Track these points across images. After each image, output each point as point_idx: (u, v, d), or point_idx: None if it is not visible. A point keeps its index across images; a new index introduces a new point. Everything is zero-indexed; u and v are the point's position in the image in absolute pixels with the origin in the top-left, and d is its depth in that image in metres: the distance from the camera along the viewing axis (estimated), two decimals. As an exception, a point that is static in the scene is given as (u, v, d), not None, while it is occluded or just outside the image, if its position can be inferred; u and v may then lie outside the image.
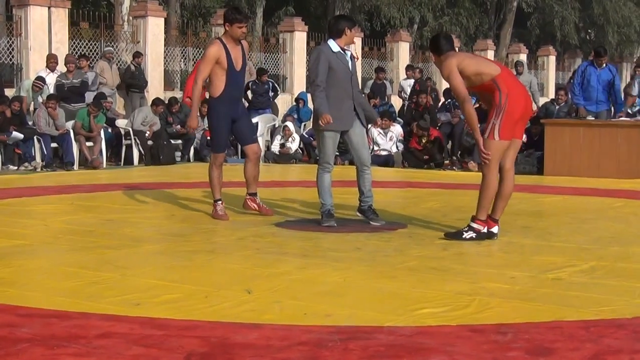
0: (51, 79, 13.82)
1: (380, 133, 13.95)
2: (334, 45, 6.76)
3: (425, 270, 5.09)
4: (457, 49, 6.55)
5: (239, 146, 14.77)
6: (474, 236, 5.99)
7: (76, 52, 15.52)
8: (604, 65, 12.33)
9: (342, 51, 6.78)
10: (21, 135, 12.35)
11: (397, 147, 13.97)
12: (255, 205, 7.40)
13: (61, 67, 14.14)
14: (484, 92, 6.22)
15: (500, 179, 6.12)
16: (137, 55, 15.71)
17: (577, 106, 12.35)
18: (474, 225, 6.03)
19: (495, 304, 4.15)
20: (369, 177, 6.91)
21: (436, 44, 6.23)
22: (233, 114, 7.20)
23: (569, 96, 13.71)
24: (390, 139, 13.98)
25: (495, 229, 6.14)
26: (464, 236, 6.01)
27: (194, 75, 7.41)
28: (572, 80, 15.64)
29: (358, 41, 20.89)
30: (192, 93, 7.21)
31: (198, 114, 7.41)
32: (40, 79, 13.58)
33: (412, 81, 17.82)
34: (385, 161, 13.58)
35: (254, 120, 15.04)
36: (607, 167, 11.49)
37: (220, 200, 7.31)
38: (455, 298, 4.27)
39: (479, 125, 6.07)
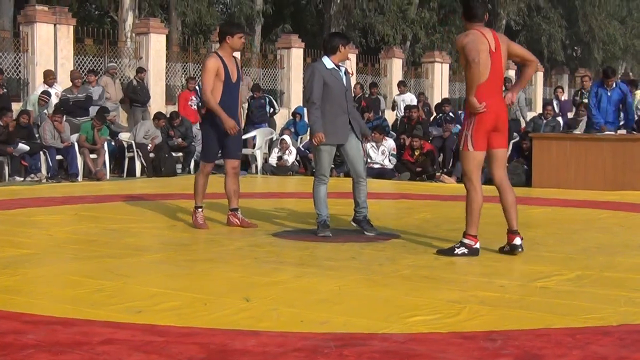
0: (53, 93, 13.93)
1: (372, 147, 14.06)
2: (328, 62, 6.88)
3: (417, 278, 5.17)
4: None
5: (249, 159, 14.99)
6: (466, 252, 5.91)
7: (81, 68, 15.65)
8: (614, 85, 12.39)
9: (336, 67, 6.89)
10: (27, 147, 12.46)
11: (389, 160, 14.08)
12: (237, 221, 7.43)
13: (67, 82, 14.28)
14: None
15: (499, 193, 6.08)
16: (140, 70, 15.85)
17: (598, 125, 12.35)
18: (465, 240, 5.96)
19: (485, 312, 4.22)
20: (364, 188, 7.01)
21: (467, 5, 6.07)
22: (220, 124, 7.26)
23: (573, 111, 13.90)
24: (383, 153, 14.09)
25: (517, 241, 5.98)
26: (455, 252, 5.93)
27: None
28: (576, 98, 15.85)
29: (353, 57, 21.06)
30: (209, 105, 7.16)
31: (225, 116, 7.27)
32: (46, 93, 13.72)
33: (405, 96, 18.08)
34: (380, 173, 13.71)
35: (252, 133, 15.21)
36: (594, 180, 11.62)
37: (201, 207, 7.42)
38: (447, 306, 4.34)
39: (474, 89, 5.83)
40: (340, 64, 6.97)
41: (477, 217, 5.98)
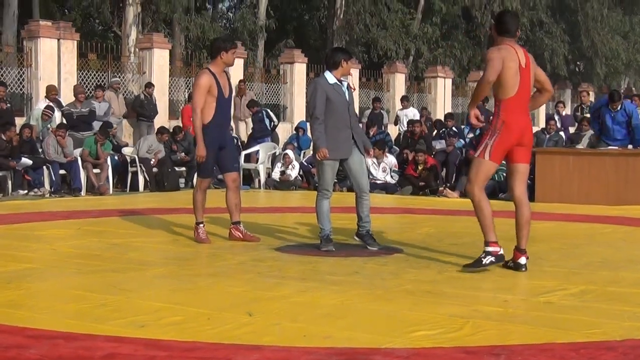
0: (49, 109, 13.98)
1: (373, 163, 14.07)
2: (330, 77, 6.91)
3: (420, 293, 5.17)
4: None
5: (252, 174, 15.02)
6: (493, 260, 5.82)
7: (84, 83, 15.74)
8: (619, 107, 12.41)
9: (338, 82, 6.92)
10: (30, 162, 12.50)
11: (391, 177, 14.09)
12: (240, 234, 7.44)
13: (70, 97, 14.34)
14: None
15: (515, 208, 5.99)
16: (148, 85, 15.93)
17: (604, 142, 12.41)
18: (489, 249, 5.86)
19: (488, 327, 4.22)
20: (367, 203, 7.02)
21: (498, 19, 6.06)
22: (221, 141, 7.32)
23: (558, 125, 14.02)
24: (384, 170, 14.10)
25: (522, 260, 5.93)
26: (483, 262, 5.83)
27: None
28: (577, 114, 15.90)
29: (356, 72, 21.15)
30: (194, 123, 7.27)
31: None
32: (50, 108, 13.77)
33: (408, 111, 18.13)
34: (383, 187, 13.72)
35: (255, 148, 15.25)
36: (596, 195, 11.63)
37: (202, 223, 7.44)
38: (450, 320, 4.34)
39: (476, 104, 5.93)
40: (342, 78, 6.99)
41: (491, 223, 5.88)
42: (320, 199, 7.00)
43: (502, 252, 5.88)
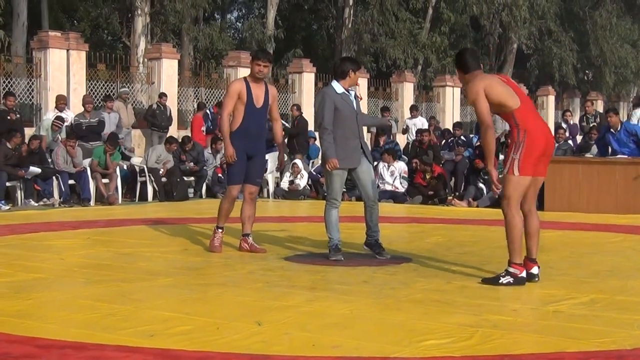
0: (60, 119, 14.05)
1: (384, 166, 14.11)
2: (338, 86, 6.92)
3: (429, 302, 5.17)
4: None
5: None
6: (512, 281, 5.69)
7: (93, 93, 15.81)
8: (619, 127, 12.41)
9: (346, 92, 6.93)
10: (38, 170, 12.53)
11: (400, 183, 14.08)
12: (247, 245, 7.43)
13: (80, 107, 14.41)
14: (505, 120, 6.00)
15: (525, 218, 5.89)
16: (161, 96, 15.98)
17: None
18: (511, 269, 5.74)
19: (498, 336, 4.21)
20: (376, 212, 7.03)
21: (462, 61, 5.94)
22: (249, 149, 7.31)
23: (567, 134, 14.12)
24: (392, 174, 14.11)
25: (535, 270, 5.90)
26: (500, 281, 5.72)
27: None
28: (583, 124, 15.93)
29: (364, 82, 21.17)
30: (221, 128, 7.37)
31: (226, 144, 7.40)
32: (60, 118, 13.83)
33: (416, 120, 18.14)
34: (392, 196, 13.72)
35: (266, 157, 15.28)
36: (606, 203, 11.62)
37: (222, 228, 7.45)
38: (459, 330, 4.34)
39: (492, 159, 5.80)
40: (350, 88, 7.00)
41: (520, 244, 5.77)
42: (329, 208, 7.00)
43: (524, 274, 5.76)
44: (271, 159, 15.33)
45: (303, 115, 16.93)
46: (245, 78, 7.35)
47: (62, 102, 14.24)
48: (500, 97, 5.73)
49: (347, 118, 6.88)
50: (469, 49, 6.28)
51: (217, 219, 7.48)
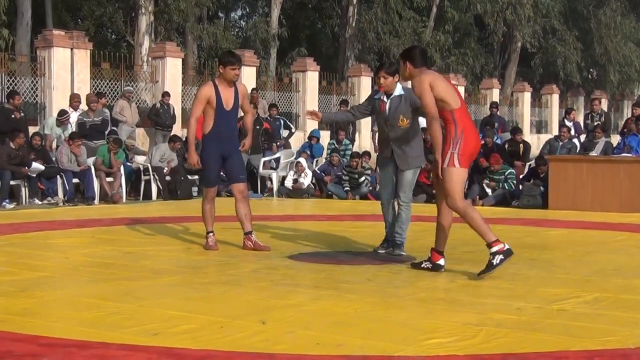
0: (73, 117, 14.11)
1: None
2: (378, 92, 7.23)
3: (434, 301, 5.17)
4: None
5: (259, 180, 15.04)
6: (503, 257, 5.86)
7: (97, 92, 15.81)
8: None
9: (381, 97, 7.18)
10: (42, 167, 12.54)
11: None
12: (250, 244, 7.43)
13: (83, 106, 14.43)
14: (441, 118, 6.17)
15: (440, 213, 6.17)
16: (164, 95, 15.99)
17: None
18: (494, 249, 5.89)
19: (502, 335, 4.22)
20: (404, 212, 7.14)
21: (412, 54, 6.17)
22: (222, 151, 7.37)
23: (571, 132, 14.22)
24: None
25: (442, 262, 6.19)
26: (494, 264, 5.85)
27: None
28: (587, 122, 15.96)
29: (368, 80, 21.16)
30: (188, 132, 7.45)
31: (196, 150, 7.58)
32: (64, 112, 13.87)
33: (421, 119, 18.09)
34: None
35: (278, 154, 15.31)
36: (610, 202, 11.60)
37: (211, 232, 7.53)
38: (463, 328, 4.34)
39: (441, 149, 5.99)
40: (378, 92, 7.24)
41: (486, 224, 5.95)
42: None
43: (507, 246, 5.91)
44: (283, 156, 15.37)
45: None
46: (214, 81, 7.32)
47: (76, 101, 14.31)
48: (443, 93, 5.96)
49: (380, 122, 7.19)
50: (419, 47, 6.53)
51: (205, 224, 7.55)
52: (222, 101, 7.24)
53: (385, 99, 7.09)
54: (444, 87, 6.00)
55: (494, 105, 19.20)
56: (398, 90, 7.06)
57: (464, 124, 6.00)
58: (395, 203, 7.17)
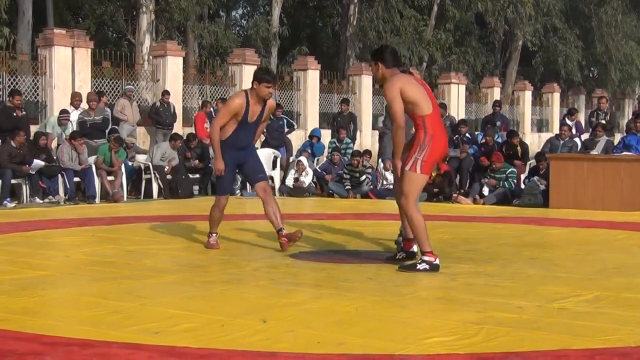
0: (74, 116, 14.13)
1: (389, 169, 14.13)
2: None
3: (434, 300, 5.18)
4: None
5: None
6: (428, 267, 6.05)
7: (98, 90, 15.81)
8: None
9: None
10: (42, 163, 12.54)
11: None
12: (285, 239, 7.26)
13: (84, 104, 14.44)
14: (412, 121, 6.26)
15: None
16: (164, 93, 15.99)
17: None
18: (425, 258, 6.09)
19: (503, 333, 4.21)
20: None
21: (383, 55, 6.23)
22: (237, 159, 7.31)
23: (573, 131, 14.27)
24: None
25: (415, 248, 6.44)
26: (417, 267, 6.08)
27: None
28: (592, 119, 15.98)
29: (369, 79, 21.18)
30: (211, 138, 7.30)
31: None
32: (65, 112, 13.88)
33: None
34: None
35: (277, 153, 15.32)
36: (611, 200, 11.59)
37: (215, 233, 7.49)
38: (464, 327, 4.34)
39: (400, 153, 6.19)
40: None
41: (426, 234, 6.15)
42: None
43: (437, 262, 6.11)
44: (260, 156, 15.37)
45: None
46: (246, 94, 7.19)
47: (77, 99, 14.32)
48: (415, 97, 6.05)
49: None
50: (390, 47, 6.59)
51: (210, 226, 7.52)
52: (249, 115, 7.14)
53: None
54: (415, 91, 6.10)
55: (497, 103, 19.19)
56: None
57: (434, 130, 6.10)
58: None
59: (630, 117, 15.55)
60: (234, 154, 7.27)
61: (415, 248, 6.46)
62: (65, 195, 12.70)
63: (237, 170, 7.66)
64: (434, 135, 6.09)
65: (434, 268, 6.06)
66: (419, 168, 6.08)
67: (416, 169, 6.08)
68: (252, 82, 7.18)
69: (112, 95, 16.34)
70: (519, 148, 14.59)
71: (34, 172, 12.45)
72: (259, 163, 7.64)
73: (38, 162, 12.45)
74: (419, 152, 6.08)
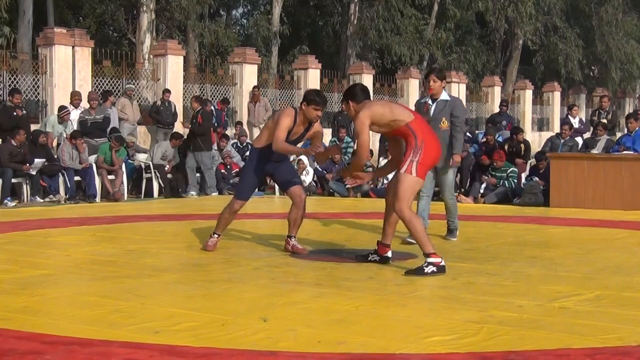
0: (74, 115, 14.13)
1: None
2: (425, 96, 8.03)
3: (435, 299, 5.19)
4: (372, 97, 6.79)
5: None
6: (435, 270, 5.95)
7: (99, 90, 15.81)
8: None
9: (426, 100, 7.92)
10: (42, 160, 12.54)
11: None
12: (289, 247, 7.19)
13: (84, 104, 14.44)
14: (397, 136, 6.28)
15: (389, 208, 6.32)
16: (165, 91, 15.97)
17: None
18: (431, 260, 5.99)
19: (503, 332, 4.21)
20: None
21: (353, 93, 6.31)
22: (268, 170, 7.21)
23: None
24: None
25: (389, 254, 6.46)
26: (425, 271, 5.96)
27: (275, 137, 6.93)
28: (593, 118, 15.97)
29: (369, 78, 21.17)
30: (282, 149, 6.88)
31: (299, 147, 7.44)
32: (64, 107, 13.88)
33: None
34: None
35: None
36: (612, 199, 11.60)
37: (218, 235, 7.29)
38: (465, 326, 4.34)
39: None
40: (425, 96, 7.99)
41: (426, 235, 6.13)
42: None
43: (443, 263, 6.03)
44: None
45: (208, 108, 15.06)
46: (296, 112, 7.00)
47: (76, 98, 14.32)
48: (390, 114, 6.10)
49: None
50: (359, 84, 6.66)
51: (216, 226, 7.34)
52: (291, 134, 6.96)
53: (430, 102, 7.83)
54: (388, 110, 6.16)
55: (503, 103, 19.20)
56: (444, 95, 7.82)
57: (423, 134, 6.11)
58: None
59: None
60: (266, 165, 7.11)
61: (390, 254, 6.48)
62: (65, 194, 12.70)
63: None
64: (425, 140, 6.08)
65: (440, 270, 5.98)
66: (415, 170, 6.04)
67: (411, 171, 6.04)
68: (301, 103, 7.01)
69: (113, 94, 16.31)
70: (522, 145, 14.59)
71: (34, 173, 12.44)
72: (292, 169, 7.58)
73: (38, 161, 12.43)
74: (413, 155, 6.06)
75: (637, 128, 12.66)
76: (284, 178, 7.26)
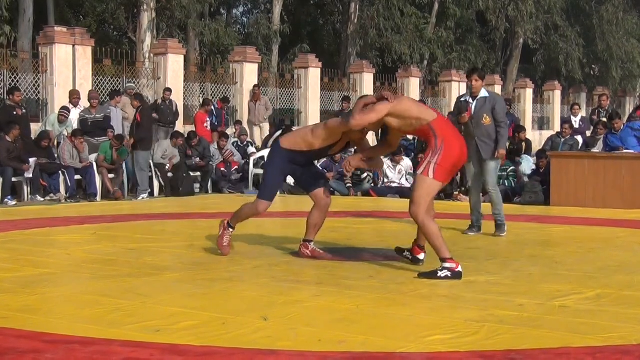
0: (74, 114, 14.12)
1: (389, 167, 14.11)
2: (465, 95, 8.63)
3: (435, 297, 5.17)
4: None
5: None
6: (449, 275, 5.75)
7: (99, 88, 15.82)
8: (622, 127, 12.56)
9: (467, 98, 8.48)
10: (34, 159, 12.51)
11: (407, 179, 14.09)
12: (308, 252, 6.82)
13: (85, 103, 14.44)
14: (420, 136, 6.24)
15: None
16: (165, 90, 15.95)
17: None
18: (447, 265, 5.80)
19: (504, 331, 4.22)
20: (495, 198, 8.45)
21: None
22: (293, 168, 6.81)
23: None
24: (399, 172, 14.14)
25: (421, 256, 6.35)
26: (438, 275, 5.77)
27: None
28: (593, 117, 15.93)
29: (370, 77, 21.15)
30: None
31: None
32: (65, 108, 13.88)
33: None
34: (398, 192, 13.72)
35: (262, 153, 15.24)
36: (612, 198, 11.59)
37: (232, 229, 6.91)
38: (465, 325, 4.34)
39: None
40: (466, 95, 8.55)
41: (443, 240, 5.89)
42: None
43: (459, 269, 5.80)
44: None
45: (146, 104, 14.50)
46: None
47: (75, 97, 14.31)
48: (414, 111, 5.99)
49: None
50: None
51: (232, 218, 6.90)
52: (336, 145, 6.67)
53: (470, 100, 8.37)
54: (416, 107, 6.10)
55: (507, 103, 19.19)
56: (483, 93, 8.37)
57: (444, 134, 5.91)
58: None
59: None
60: (292, 167, 6.79)
61: (422, 256, 6.34)
62: (66, 193, 12.70)
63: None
64: (445, 139, 5.88)
65: (455, 275, 5.75)
66: (432, 172, 5.82)
67: (428, 173, 5.83)
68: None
69: (120, 94, 16.30)
70: (524, 144, 14.59)
71: (30, 175, 12.41)
72: (319, 171, 7.45)
73: (33, 160, 12.39)
74: (432, 156, 5.86)
75: (622, 126, 12.64)
76: (310, 179, 6.83)
